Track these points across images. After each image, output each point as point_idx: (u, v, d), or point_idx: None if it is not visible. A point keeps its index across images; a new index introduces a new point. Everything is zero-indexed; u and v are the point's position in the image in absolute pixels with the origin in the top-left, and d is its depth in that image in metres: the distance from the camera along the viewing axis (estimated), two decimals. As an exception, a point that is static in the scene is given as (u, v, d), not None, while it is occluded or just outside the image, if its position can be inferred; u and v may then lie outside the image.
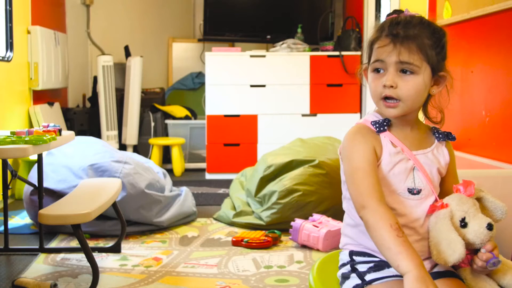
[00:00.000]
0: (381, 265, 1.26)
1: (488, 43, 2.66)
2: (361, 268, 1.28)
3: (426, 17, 1.28)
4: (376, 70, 1.27)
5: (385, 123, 1.28)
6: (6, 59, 3.69)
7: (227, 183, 4.15)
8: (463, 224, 1.22)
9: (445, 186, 1.34)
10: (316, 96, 4.58)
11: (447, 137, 1.34)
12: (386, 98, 1.25)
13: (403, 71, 1.23)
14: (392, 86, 1.23)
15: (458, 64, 2.90)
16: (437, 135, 1.33)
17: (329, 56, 4.58)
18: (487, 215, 1.27)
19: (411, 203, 1.27)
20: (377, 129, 1.28)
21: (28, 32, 4.06)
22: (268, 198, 3.02)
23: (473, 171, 2.28)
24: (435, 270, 1.27)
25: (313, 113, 4.60)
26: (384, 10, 4.44)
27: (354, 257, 1.31)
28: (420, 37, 1.23)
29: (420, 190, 1.27)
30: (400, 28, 1.23)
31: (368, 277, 1.25)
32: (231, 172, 4.47)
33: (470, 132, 2.79)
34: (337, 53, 4.57)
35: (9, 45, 3.73)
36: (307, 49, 4.63)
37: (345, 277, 1.30)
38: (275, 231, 2.84)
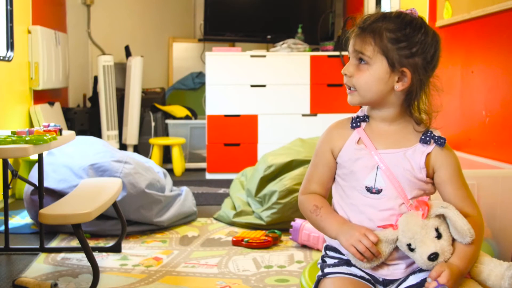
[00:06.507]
0: (346, 262, 1.28)
1: (488, 43, 2.66)
2: (328, 261, 1.32)
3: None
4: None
5: (363, 119, 1.30)
6: (6, 58, 3.69)
7: (227, 183, 4.15)
8: (410, 249, 1.19)
9: (445, 197, 1.25)
10: (317, 96, 4.58)
11: (434, 140, 1.23)
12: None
13: (360, 61, 1.25)
14: (346, 75, 1.27)
15: (458, 64, 2.90)
16: (423, 137, 1.24)
17: (329, 56, 4.58)
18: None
19: (369, 202, 1.24)
20: (352, 124, 1.31)
21: (29, 32, 4.06)
22: (268, 198, 3.02)
23: (473, 171, 2.27)
24: (421, 279, 1.22)
25: (313, 113, 4.60)
26: (384, 10, 4.42)
27: (328, 252, 1.34)
28: (381, 30, 1.22)
29: (381, 190, 1.23)
30: (369, 21, 1.24)
31: (326, 270, 1.30)
32: (232, 172, 4.47)
33: (470, 132, 2.79)
34: (337, 53, 4.57)
35: (10, 45, 3.73)
36: (307, 49, 4.63)
37: (319, 267, 1.37)
38: (275, 231, 2.84)
